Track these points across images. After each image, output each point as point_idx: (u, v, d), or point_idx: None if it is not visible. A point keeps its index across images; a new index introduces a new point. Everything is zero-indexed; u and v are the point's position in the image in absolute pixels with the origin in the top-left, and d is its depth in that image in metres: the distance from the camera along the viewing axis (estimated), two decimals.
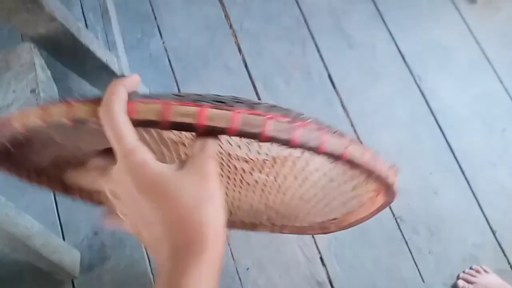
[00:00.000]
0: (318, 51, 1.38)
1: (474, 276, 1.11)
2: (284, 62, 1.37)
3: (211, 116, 0.27)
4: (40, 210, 1.22)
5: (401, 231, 1.18)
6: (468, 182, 1.23)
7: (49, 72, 0.66)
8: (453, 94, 1.33)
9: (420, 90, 1.33)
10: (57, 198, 1.24)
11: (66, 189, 0.46)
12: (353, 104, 1.31)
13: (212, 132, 0.27)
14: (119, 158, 0.27)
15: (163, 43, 1.41)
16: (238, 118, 0.27)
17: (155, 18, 1.45)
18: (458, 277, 1.13)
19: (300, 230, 0.56)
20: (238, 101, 0.30)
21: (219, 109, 0.27)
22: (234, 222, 0.57)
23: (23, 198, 1.24)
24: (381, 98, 1.32)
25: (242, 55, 1.38)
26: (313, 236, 1.17)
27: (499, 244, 1.17)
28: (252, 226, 0.56)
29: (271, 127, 0.27)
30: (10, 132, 0.31)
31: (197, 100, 0.28)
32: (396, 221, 1.19)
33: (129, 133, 0.26)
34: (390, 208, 1.20)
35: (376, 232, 1.18)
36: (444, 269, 1.15)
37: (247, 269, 1.15)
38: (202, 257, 0.26)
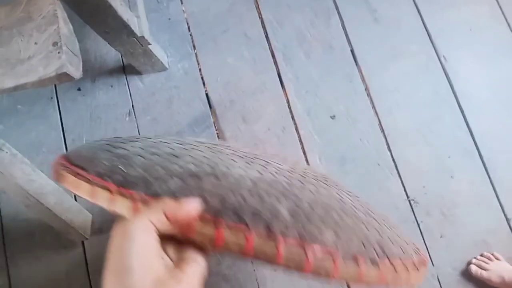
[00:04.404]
0: (342, 23, 1.33)
1: (486, 263, 1.10)
2: (306, 33, 1.32)
3: (227, 240, 0.31)
4: None
5: (414, 213, 1.17)
6: (485, 167, 1.20)
7: (71, 26, 0.63)
8: (478, 77, 1.28)
9: (444, 70, 1.29)
10: None
11: None
12: (374, 81, 1.27)
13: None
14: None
15: (183, 7, 1.37)
16: (251, 245, 0.30)
17: None
18: (469, 263, 1.12)
19: None
20: (258, 212, 0.32)
21: (235, 230, 0.31)
22: None
23: (38, 157, 1.24)
24: (404, 76, 1.28)
25: (263, 24, 1.34)
26: None
27: None
28: None
29: (282, 256, 0.30)
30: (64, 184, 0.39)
31: (217, 213, 0.32)
32: (410, 203, 1.18)
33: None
34: (404, 189, 1.19)
35: (389, 213, 1.17)
36: (454, 253, 1.14)
37: None
38: None
